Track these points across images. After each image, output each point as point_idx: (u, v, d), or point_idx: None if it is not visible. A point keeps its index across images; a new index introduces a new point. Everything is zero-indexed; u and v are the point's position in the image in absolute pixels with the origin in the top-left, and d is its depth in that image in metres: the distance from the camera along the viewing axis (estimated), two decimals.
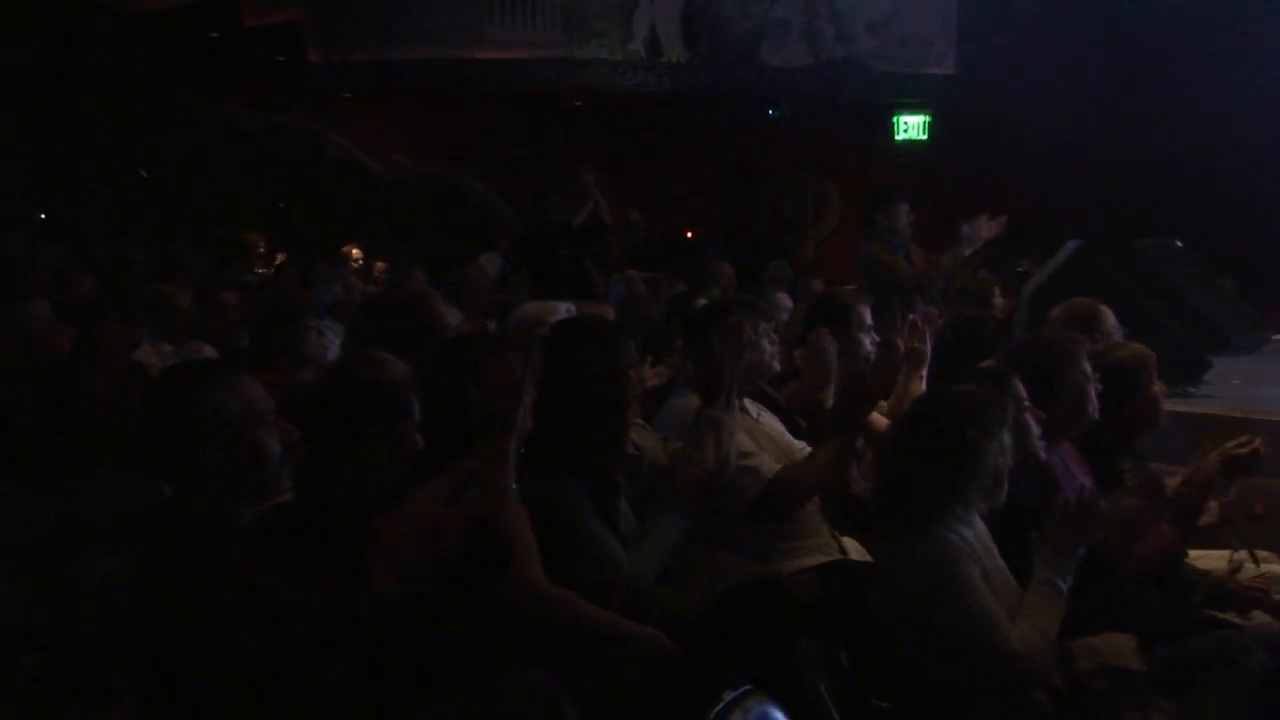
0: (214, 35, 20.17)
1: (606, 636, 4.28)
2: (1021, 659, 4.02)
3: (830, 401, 6.04)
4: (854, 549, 5.45)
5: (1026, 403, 4.84)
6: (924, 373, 6.62)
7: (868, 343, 6.89)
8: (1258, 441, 5.72)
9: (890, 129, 20.16)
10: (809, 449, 5.68)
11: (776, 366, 6.36)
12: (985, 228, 9.27)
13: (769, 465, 5.39)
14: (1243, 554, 5.27)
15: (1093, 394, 5.25)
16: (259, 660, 3.65)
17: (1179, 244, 10.50)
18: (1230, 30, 15.20)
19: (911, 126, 20.10)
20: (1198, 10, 15.68)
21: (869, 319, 7.14)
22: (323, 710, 3.62)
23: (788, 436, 5.84)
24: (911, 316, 7.07)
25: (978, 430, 4.25)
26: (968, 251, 9.82)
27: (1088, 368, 5.27)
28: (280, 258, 15.63)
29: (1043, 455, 4.99)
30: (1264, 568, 5.27)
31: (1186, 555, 5.41)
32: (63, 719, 3.94)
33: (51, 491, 5.27)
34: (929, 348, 6.66)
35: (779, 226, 20.46)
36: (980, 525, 4.28)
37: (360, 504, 4.09)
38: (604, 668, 4.18)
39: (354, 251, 14.98)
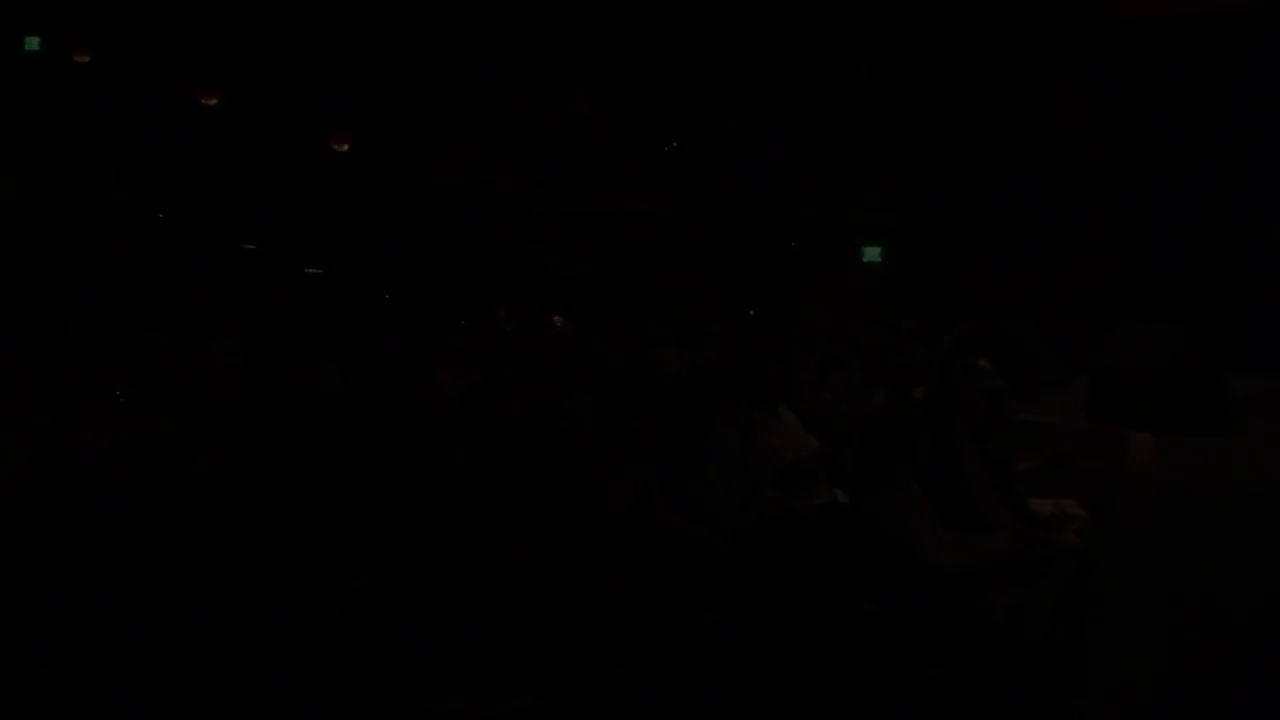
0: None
1: (694, 541, 4.28)
2: (943, 568, 3.97)
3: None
4: (841, 496, 5.42)
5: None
6: None
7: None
8: (1067, 446, 5.71)
9: (860, 254, 20.14)
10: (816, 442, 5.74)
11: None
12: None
13: (791, 455, 5.49)
14: (1059, 502, 5.22)
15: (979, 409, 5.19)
16: (488, 551, 3.74)
17: (1022, 323, 10.47)
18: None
19: (872, 253, 20.03)
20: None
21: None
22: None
23: (804, 433, 5.82)
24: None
25: (910, 432, 4.22)
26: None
27: (978, 396, 5.21)
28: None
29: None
30: (1070, 511, 5.20)
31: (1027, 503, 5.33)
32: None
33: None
34: None
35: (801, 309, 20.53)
36: (914, 486, 4.22)
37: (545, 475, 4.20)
38: (694, 559, 4.19)
39: (556, 319, 15.09)
